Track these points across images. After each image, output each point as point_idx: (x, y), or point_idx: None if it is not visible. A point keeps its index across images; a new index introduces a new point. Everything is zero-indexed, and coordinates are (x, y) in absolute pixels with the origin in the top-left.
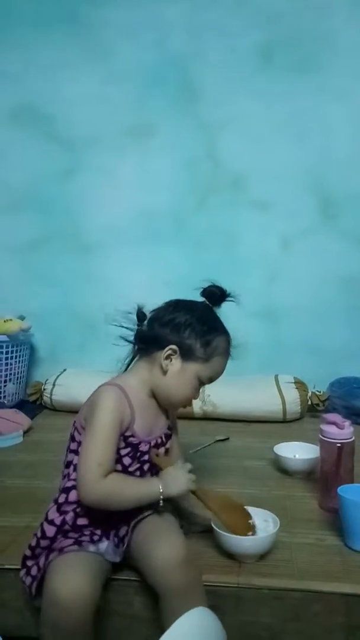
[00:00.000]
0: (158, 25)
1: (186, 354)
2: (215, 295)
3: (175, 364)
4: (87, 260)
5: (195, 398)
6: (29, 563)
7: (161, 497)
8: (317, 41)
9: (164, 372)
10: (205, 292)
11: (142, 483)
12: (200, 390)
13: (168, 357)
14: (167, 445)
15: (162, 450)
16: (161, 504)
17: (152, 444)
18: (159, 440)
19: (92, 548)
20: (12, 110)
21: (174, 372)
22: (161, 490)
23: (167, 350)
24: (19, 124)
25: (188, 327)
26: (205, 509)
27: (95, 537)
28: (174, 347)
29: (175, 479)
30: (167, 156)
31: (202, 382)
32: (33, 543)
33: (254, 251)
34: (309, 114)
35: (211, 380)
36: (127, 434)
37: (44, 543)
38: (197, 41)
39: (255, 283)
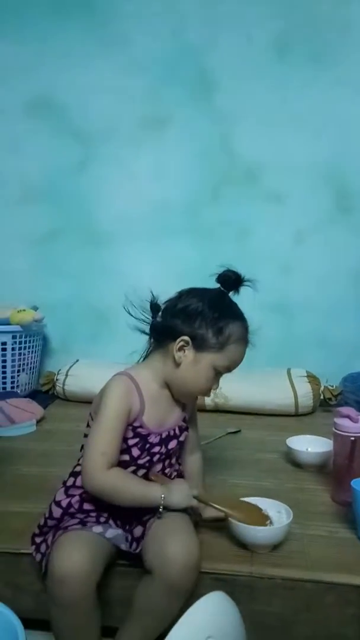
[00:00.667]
0: (173, 16)
1: (199, 344)
2: (230, 279)
3: (189, 355)
4: (101, 252)
5: (214, 389)
6: (37, 540)
7: (162, 504)
8: (335, 31)
9: (178, 364)
10: (220, 277)
11: (145, 485)
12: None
13: (181, 348)
14: (181, 438)
15: (174, 442)
16: (160, 511)
17: (164, 436)
18: (172, 433)
19: (97, 529)
20: (27, 102)
21: (187, 363)
22: (163, 497)
23: (179, 342)
24: (34, 116)
25: (199, 316)
26: (216, 512)
27: (102, 519)
28: (185, 338)
29: (178, 492)
30: (182, 148)
31: (219, 372)
32: (41, 522)
33: (268, 244)
34: (325, 106)
35: (229, 369)
36: (136, 424)
37: (50, 523)
38: (212, 31)
39: (268, 276)
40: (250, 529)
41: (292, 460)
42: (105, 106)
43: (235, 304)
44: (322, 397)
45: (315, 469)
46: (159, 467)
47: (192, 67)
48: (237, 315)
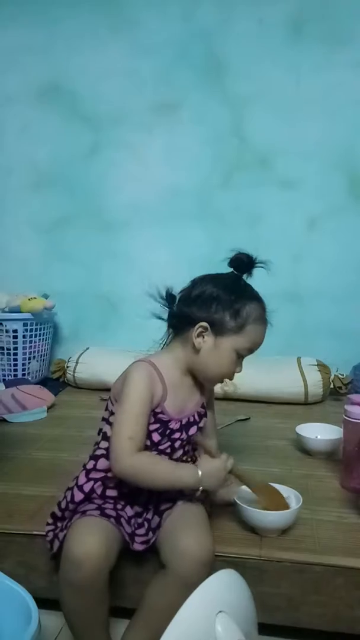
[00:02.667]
0: None
1: (218, 329)
2: (243, 262)
3: (208, 340)
4: (111, 239)
5: (238, 372)
6: (57, 523)
7: (200, 486)
8: (350, 10)
9: (197, 351)
10: (232, 261)
11: (178, 466)
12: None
13: (199, 334)
14: (201, 424)
15: (194, 428)
16: (199, 492)
17: (184, 422)
18: (192, 419)
19: (112, 514)
20: (37, 87)
21: (207, 348)
22: (200, 475)
23: (198, 328)
24: (44, 101)
25: (215, 301)
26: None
27: (119, 506)
28: (203, 323)
29: (215, 473)
30: (193, 133)
31: (241, 355)
32: (63, 505)
33: (279, 231)
34: (340, 89)
35: (251, 350)
36: (157, 410)
37: (71, 507)
38: (224, 12)
39: (280, 263)
40: (258, 513)
41: (302, 447)
42: (115, 91)
43: (251, 286)
44: (332, 385)
45: (325, 456)
46: (179, 453)
47: (203, 51)
48: (253, 296)
